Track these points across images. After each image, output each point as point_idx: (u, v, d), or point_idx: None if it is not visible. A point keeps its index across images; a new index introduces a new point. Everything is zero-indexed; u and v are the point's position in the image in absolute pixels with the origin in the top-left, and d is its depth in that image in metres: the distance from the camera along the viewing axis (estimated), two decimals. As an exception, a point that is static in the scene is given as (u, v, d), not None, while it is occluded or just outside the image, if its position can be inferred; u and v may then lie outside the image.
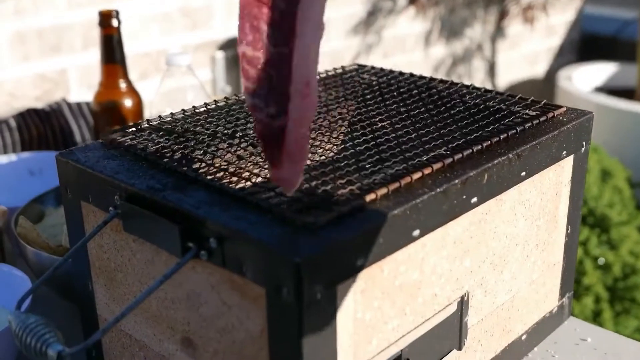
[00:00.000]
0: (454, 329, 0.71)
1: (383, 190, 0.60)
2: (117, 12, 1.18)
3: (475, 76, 2.94)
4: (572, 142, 0.78)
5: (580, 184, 0.83)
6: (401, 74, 0.94)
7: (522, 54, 3.11)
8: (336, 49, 2.35)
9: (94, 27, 1.71)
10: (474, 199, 0.67)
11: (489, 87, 3.02)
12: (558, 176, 0.79)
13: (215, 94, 2.02)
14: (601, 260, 2.13)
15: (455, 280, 0.69)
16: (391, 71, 0.96)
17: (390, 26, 2.49)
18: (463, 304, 0.71)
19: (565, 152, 0.78)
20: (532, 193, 0.75)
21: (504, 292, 0.76)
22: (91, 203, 0.70)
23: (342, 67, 0.98)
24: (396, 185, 0.62)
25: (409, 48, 2.61)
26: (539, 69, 3.23)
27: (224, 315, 0.60)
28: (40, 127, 1.37)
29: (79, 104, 1.42)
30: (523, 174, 0.72)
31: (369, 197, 0.59)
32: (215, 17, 1.98)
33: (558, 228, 0.82)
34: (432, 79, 0.91)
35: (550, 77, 3.25)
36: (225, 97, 0.85)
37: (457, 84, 0.89)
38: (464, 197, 0.66)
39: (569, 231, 0.84)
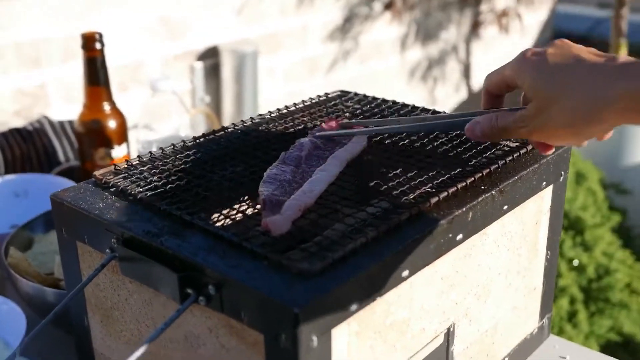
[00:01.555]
0: (441, 359, 0.74)
1: (373, 233, 0.63)
2: (101, 35, 1.19)
3: (451, 78, 2.97)
4: (551, 173, 0.81)
5: (559, 211, 0.86)
6: (384, 101, 0.97)
7: (496, 56, 3.15)
8: (314, 55, 2.37)
9: (73, 40, 1.72)
10: (460, 236, 0.69)
11: (463, 89, 3.06)
12: (538, 206, 0.82)
13: (195, 104, 2.03)
14: (575, 262, 2.17)
15: (442, 313, 0.71)
16: (374, 98, 0.98)
17: (366, 31, 2.52)
18: (449, 334, 0.73)
19: (545, 182, 0.81)
20: (514, 224, 0.78)
21: (487, 320, 0.79)
22: (87, 244, 0.71)
23: (326, 94, 1.00)
24: (385, 227, 0.64)
25: (385, 53, 2.63)
26: (512, 70, 3.26)
27: (222, 358, 0.62)
28: (23, 146, 1.38)
29: (61, 123, 1.42)
30: (505, 207, 0.75)
31: (360, 241, 0.62)
32: (193, 28, 1.99)
33: (538, 254, 0.85)
34: (414, 107, 0.94)
35: (523, 78, 3.29)
36: (213, 130, 0.87)
37: (439, 112, 0.91)
38: (450, 235, 0.68)
39: (548, 256, 0.87)
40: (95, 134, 1.22)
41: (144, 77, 1.91)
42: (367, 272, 0.59)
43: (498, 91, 0.71)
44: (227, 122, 2.11)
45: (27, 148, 1.38)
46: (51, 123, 1.42)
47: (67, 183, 1.22)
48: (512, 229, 0.78)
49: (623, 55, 2.80)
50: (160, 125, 1.22)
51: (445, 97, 2.98)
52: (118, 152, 1.24)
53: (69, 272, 0.76)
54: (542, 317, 0.90)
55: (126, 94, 1.85)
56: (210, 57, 2.05)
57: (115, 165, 0.78)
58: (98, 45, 1.19)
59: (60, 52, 1.71)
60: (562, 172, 0.84)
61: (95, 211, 0.69)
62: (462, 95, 3.06)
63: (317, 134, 0.82)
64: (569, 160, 0.84)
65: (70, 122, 1.44)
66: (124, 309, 0.71)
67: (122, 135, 1.25)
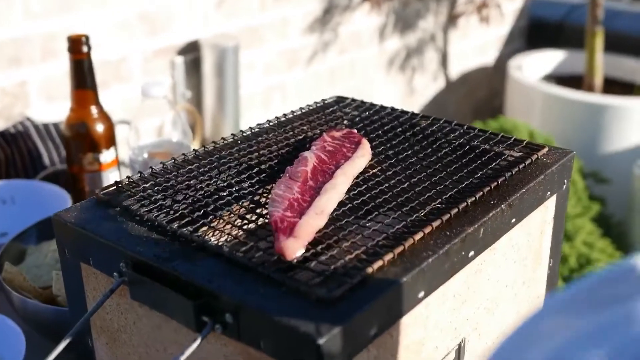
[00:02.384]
0: (451, 374, 0.73)
1: (389, 256, 0.62)
2: (87, 38, 1.17)
3: (429, 67, 2.97)
4: (555, 183, 0.81)
5: (561, 219, 0.86)
6: (382, 107, 0.96)
7: (473, 44, 3.15)
8: (293, 47, 2.35)
9: (54, 38, 1.69)
10: (471, 253, 0.69)
11: (441, 78, 3.06)
12: (542, 216, 0.82)
13: (176, 100, 2.00)
14: (557, 252, 2.19)
15: (454, 329, 0.71)
16: (372, 104, 0.97)
17: (346, 22, 2.50)
18: (460, 350, 0.73)
19: (549, 192, 0.81)
20: (520, 236, 0.78)
21: (495, 332, 0.79)
22: (92, 266, 0.70)
23: (323, 101, 0.99)
24: (400, 249, 0.63)
25: (364, 43, 2.62)
26: (489, 58, 3.28)
27: (239, 385, 0.61)
28: (7, 150, 1.35)
29: (46, 125, 1.40)
30: (513, 220, 0.75)
31: (377, 265, 0.61)
32: (174, 22, 1.96)
33: (542, 263, 0.85)
34: (413, 115, 0.93)
35: (499, 65, 3.30)
36: (213, 142, 0.86)
37: (439, 120, 0.91)
38: (463, 253, 0.68)
39: (550, 264, 0.87)
40: (82, 138, 1.20)
41: (125, 74, 1.89)
42: (386, 296, 0.59)
43: None
44: (208, 117, 2.09)
45: (12, 152, 1.35)
46: (35, 126, 1.39)
47: (56, 190, 1.20)
48: (519, 241, 0.78)
49: (599, 42, 2.81)
50: (142, 122, 1.19)
51: (424, 87, 2.98)
52: (106, 157, 1.21)
53: (73, 294, 0.74)
54: (544, 323, 0.90)
55: (107, 91, 1.82)
56: (191, 52, 2.03)
57: (117, 182, 0.76)
58: (85, 48, 1.17)
59: (41, 50, 1.67)
60: (565, 181, 0.84)
61: (101, 234, 0.68)
62: (440, 84, 3.07)
63: None
64: (572, 169, 0.84)
65: (55, 125, 1.41)
66: (132, 332, 0.70)
67: (110, 140, 1.22)
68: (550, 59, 3.19)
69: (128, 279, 0.65)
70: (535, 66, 3.11)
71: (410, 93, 2.93)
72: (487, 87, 3.31)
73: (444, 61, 3.03)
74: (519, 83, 2.91)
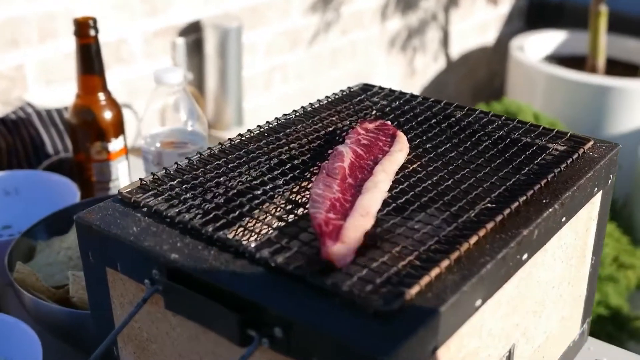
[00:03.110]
0: (499, 382, 0.70)
1: (445, 262, 0.58)
2: (95, 21, 1.11)
3: (429, 48, 2.92)
4: (602, 178, 0.77)
5: (605, 215, 0.82)
6: (412, 96, 0.91)
7: (473, 23, 3.10)
8: (296, 27, 2.29)
9: (52, 19, 1.62)
10: (525, 256, 0.65)
11: (442, 58, 3.01)
12: (589, 213, 0.78)
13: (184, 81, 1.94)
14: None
15: (506, 336, 0.67)
16: (401, 93, 0.92)
17: (347, 2, 2.45)
18: (510, 357, 0.69)
19: (596, 188, 0.76)
20: (569, 235, 0.74)
21: (540, 335, 0.75)
22: (119, 271, 0.65)
23: (349, 89, 0.94)
24: (456, 254, 0.59)
25: (366, 23, 2.57)
26: (488, 38, 3.23)
27: (286, 402, 0.57)
28: (9, 138, 1.29)
29: (48, 111, 1.34)
30: (564, 219, 0.71)
31: (434, 272, 0.57)
32: (175, 2, 1.90)
33: (585, 261, 0.81)
34: (447, 104, 0.88)
35: (499, 45, 3.26)
36: (239, 134, 0.81)
37: (474, 110, 0.86)
38: (518, 256, 0.64)
39: (593, 262, 0.83)
40: (90, 126, 1.15)
41: (125, 55, 1.83)
42: (446, 307, 0.54)
43: None
44: (210, 99, 2.03)
45: (13, 140, 1.30)
46: (37, 112, 1.34)
47: (63, 181, 1.14)
48: (567, 241, 0.74)
49: (602, 23, 2.76)
50: (153, 110, 1.14)
51: (425, 67, 2.93)
52: (115, 146, 1.16)
53: (97, 300, 0.70)
54: (583, 322, 0.87)
55: (107, 73, 1.76)
56: (193, 33, 1.97)
57: (141, 180, 0.71)
58: (92, 32, 1.12)
59: (38, 31, 1.61)
60: (611, 175, 0.79)
61: (130, 237, 0.63)
62: (441, 64, 3.02)
63: None
64: (617, 163, 0.80)
65: (58, 111, 1.36)
66: (164, 343, 0.65)
67: (119, 128, 1.17)
68: (551, 39, 3.15)
69: (162, 288, 0.61)
70: (536, 47, 3.07)
71: (411, 73, 2.88)
72: (486, 68, 3.27)
73: (444, 41, 2.98)
74: (521, 64, 2.87)
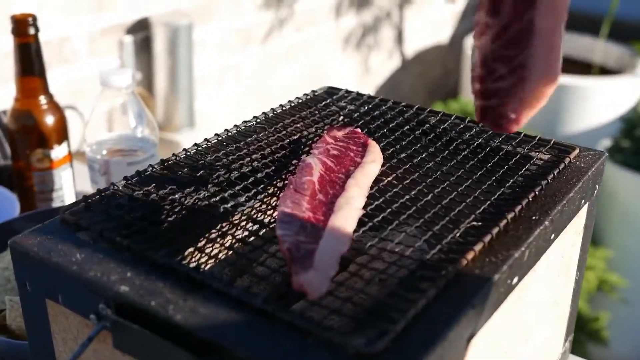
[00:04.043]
0: (485, 415, 0.63)
1: (432, 291, 0.51)
2: (35, 18, 1.02)
3: (384, 46, 2.87)
4: (589, 189, 0.72)
5: (590, 228, 0.77)
6: (382, 100, 0.85)
7: (427, 21, 3.06)
8: (249, 26, 2.21)
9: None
10: (515, 280, 0.59)
11: (397, 56, 2.96)
12: (575, 227, 0.72)
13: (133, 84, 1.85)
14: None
15: (493, 368, 0.61)
16: (369, 97, 0.86)
17: (301, -1, 2.38)
18: (497, 389, 0.63)
19: (583, 200, 0.71)
20: (556, 253, 0.68)
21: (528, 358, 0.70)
22: (61, 304, 0.57)
23: (313, 92, 0.87)
24: (443, 281, 0.53)
25: (320, 20, 2.50)
26: (443, 35, 3.19)
27: None
28: (-58, 144, 1.19)
29: (-16, 115, 1.24)
30: (552, 236, 0.65)
31: (421, 303, 0.50)
32: (121, -2, 1.80)
33: (569, 277, 0.76)
34: (419, 110, 0.82)
35: (454, 43, 3.22)
36: (195, 144, 0.73)
37: (449, 116, 0.80)
38: (508, 281, 0.57)
39: (577, 277, 0.78)
40: (30, 132, 1.06)
41: (69, 55, 1.73)
42: (437, 345, 0.48)
43: None
44: (160, 100, 1.94)
45: (-53, 146, 1.20)
46: (-28, 116, 1.24)
47: (0, 191, 1.05)
48: (554, 259, 0.68)
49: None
50: (99, 115, 1.05)
51: (379, 65, 2.88)
52: (58, 153, 1.07)
53: (36, 335, 0.62)
54: (565, 340, 0.81)
55: (49, 74, 1.66)
56: (141, 30, 1.87)
57: (85, 198, 0.63)
58: (32, 30, 1.03)
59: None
60: (597, 186, 0.74)
61: (73, 266, 0.55)
62: (396, 63, 2.97)
63: None
64: (603, 173, 0.75)
65: (-5, 115, 1.26)
66: (113, 383, 0.57)
67: (62, 133, 1.08)
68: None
69: (110, 324, 0.53)
70: (491, 44, 3.04)
71: (366, 72, 2.82)
72: (441, 66, 3.23)
73: (399, 39, 2.94)
74: (477, 62, 2.83)
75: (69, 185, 1.11)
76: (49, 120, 1.06)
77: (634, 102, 2.62)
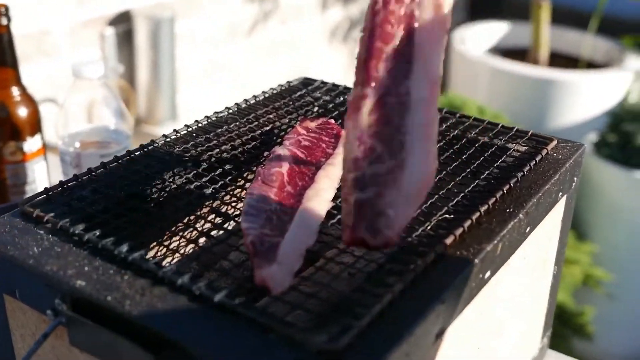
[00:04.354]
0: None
1: (399, 286, 0.50)
2: (7, 8, 1.00)
3: (372, 39, 2.84)
4: (567, 182, 0.70)
5: (568, 222, 0.75)
6: (357, 91, 0.83)
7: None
8: (234, 18, 2.19)
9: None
10: (488, 274, 0.57)
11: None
12: (552, 220, 0.71)
13: (107, 75, 1.83)
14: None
15: (465, 364, 0.59)
16: (346, 88, 0.84)
17: (287, -8, 2.36)
18: (470, 385, 0.61)
19: (560, 193, 0.69)
20: (532, 246, 0.67)
21: (503, 356, 0.68)
22: (19, 299, 0.55)
23: (288, 83, 0.85)
24: (411, 275, 0.51)
25: (305, 13, 2.48)
26: (431, 29, 3.17)
27: None
28: None
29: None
30: (528, 230, 0.63)
31: (387, 298, 0.48)
32: (102, -10, 1.78)
33: (547, 272, 0.74)
34: (395, 100, 0.80)
35: (442, 37, 3.20)
36: (164, 135, 0.71)
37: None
38: (480, 275, 0.56)
39: (554, 272, 0.76)
40: (2, 123, 1.04)
41: (50, 47, 1.70)
42: (403, 341, 0.46)
43: None
44: (142, 93, 1.92)
45: None
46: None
47: (-29, 185, 1.03)
48: (530, 252, 0.67)
49: (545, 15, 2.74)
50: (72, 106, 1.03)
51: (367, 59, 2.85)
52: (31, 145, 1.05)
53: (-6, 331, 0.60)
54: (543, 335, 0.80)
55: (29, 67, 1.64)
56: (123, 22, 1.85)
57: (46, 190, 0.61)
58: (4, 21, 1.00)
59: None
60: (575, 178, 0.73)
61: (29, 260, 0.53)
62: (383, 56, 2.94)
63: None
64: (582, 165, 0.73)
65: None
66: (72, 381, 0.56)
67: (35, 125, 1.06)
68: (493, 31, 3.11)
69: (66, 320, 0.51)
70: (478, 39, 3.02)
71: (352, 65, 2.80)
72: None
73: (387, 33, 2.91)
74: (463, 56, 2.81)
75: (43, 178, 1.09)
76: (22, 112, 1.04)
77: (620, 96, 2.62)
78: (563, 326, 2.22)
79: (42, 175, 1.08)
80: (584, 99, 2.65)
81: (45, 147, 1.08)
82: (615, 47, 2.86)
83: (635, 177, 2.24)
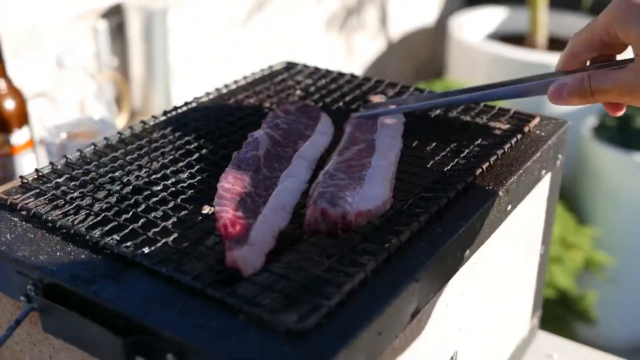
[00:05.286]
0: (441, 394, 0.61)
1: (372, 265, 0.49)
2: (-12, 1, 0.99)
3: (368, 28, 2.84)
4: (550, 159, 0.69)
5: (554, 200, 0.74)
6: (340, 75, 0.82)
7: (412, 2, 3.03)
8: (230, 9, 2.18)
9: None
10: (467, 252, 0.57)
11: (382, 40, 2.93)
12: (536, 198, 0.70)
13: (100, 68, 1.82)
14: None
15: (447, 343, 0.59)
16: (327, 71, 0.83)
17: (281, -19, 2.34)
18: (452, 365, 0.61)
19: (544, 170, 0.69)
20: (514, 224, 0.66)
21: (488, 337, 0.67)
22: (-7, 287, 0.55)
23: (270, 68, 0.85)
24: (385, 254, 0.50)
25: (302, 2, 2.47)
26: (429, 16, 3.16)
27: None
28: None
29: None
30: (509, 207, 0.63)
31: (358, 278, 0.48)
32: (93, -17, 1.77)
33: (533, 251, 0.73)
34: (377, 82, 0.80)
35: (440, 24, 3.19)
36: (142, 122, 0.71)
37: (407, 87, 0.78)
38: (458, 253, 0.55)
39: (542, 252, 0.75)
40: (-11, 118, 1.03)
41: (42, 41, 1.70)
42: (374, 321, 0.46)
43: (588, 51, 0.56)
44: (136, 85, 1.91)
45: None
46: None
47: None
48: (512, 231, 0.66)
49: (542, 1, 2.72)
50: (58, 97, 1.03)
51: (365, 48, 2.85)
52: (19, 138, 1.05)
53: (-29, 320, 0.59)
54: (533, 316, 0.79)
55: (20, 61, 1.63)
56: (116, 15, 1.84)
57: (22, 177, 0.61)
58: (-14, 13, 1.00)
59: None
60: (560, 156, 0.72)
61: (1, 247, 0.53)
62: (381, 45, 2.94)
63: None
64: (566, 142, 0.73)
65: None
66: (48, 369, 0.55)
67: (22, 117, 1.06)
68: (490, 16, 3.09)
69: (38, 306, 0.51)
70: (475, 25, 3.01)
71: (350, 54, 2.79)
72: (427, 48, 3.20)
73: (383, 20, 2.90)
74: (461, 43, 2.80)
75: (31, 171, 1.08)
76: (9, 104, 1.03)
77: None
78: (566, 311, 2.21)
79: (30, 168, 1.08)
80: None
81: (34, 141, 1.07)
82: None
83: (636, 160, 2.23)
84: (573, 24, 2.96)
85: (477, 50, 2.74)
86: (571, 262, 2.18)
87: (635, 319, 2.39)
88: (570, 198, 2.41)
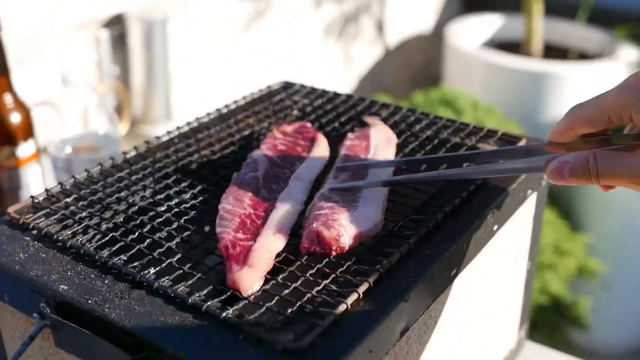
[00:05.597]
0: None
1: (364, 287, 0.52)
2: (-4, 18, 1.03)
3: (366, 35, 2.87)
4: (536, 180, 0.73)
5: (540, 218, 0.78)
6: (336, 95, 0.85)
7: (409, 10, 3.06)
8: (228, 17, 2.21)
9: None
10: (454, 272, 0.60)
11: (379, 47, 2.97)
12: (522, 217, 0.73)
13: (102, 77, 1.85)
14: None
15: (435, 358, 0.62)
16: (324, 91, 0.87)
17: (280, -10, 2.38)
18: (441, 378, 0.64)
19: (530, 190, 0.72)
20: (501, 242, 0.69)
21: (475, 350, 0.71)
22: (7, 303, 0.58)
23: (268, 87, 0.88)
24: (377, 275, 0.54)
25: (299, 11, 2.50)
26: (425, 23, 3.19)
27: None
28: None
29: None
30: (495, 227, 0.66)
31: (351, 299, 0.51)
32: (95, -7, 1.80)
33: (520, 267, 0.77)
34: (372, 103, 0.83)
35: (436, 31, 3.22)
36: (146, 142, 0.74)
37: (401, 108, 0.81)
38: (446, 273, 0.58)
39: (528, 267, 0.79)
40: (-5, 131, 1.06)
41: (44, 50, 1.73)
42: (365, 340, 0.49)
43: (588, 128, 0.53)
44: (138, 94, 1.95)
45: None
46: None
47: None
48: (499, 249, 0.69)
49: (537, 7, 2.75)
50: (63, 112, 1.06)
51: (362, 55, 2.88)
52: (25, 151, 1.08)
53: (-16, 333, 0.63)
54: (520, 328, 0.82)
55: (24, 70, 1.67)
56: (117, 24, 1.87)
57: (32, 197, 0.64)
58: (-6, 29, 1.03)
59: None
60: (544, 176, 0.75)
61: (16, 266, 0.56)
62: (378, 52, 2.97)
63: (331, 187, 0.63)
64: (551, 162, 0.76)
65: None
66: (59, 381, 0.58)
67: (28, 130, 1.09)
68: (486, 24, 3.13)
69: (50, 323, 0.54)
70: (472, 32, 3.04)
71: (348, 62, 2.83)
72: (424, 54, 3.23)
73: (380, 29, 2.94)
74: (457, 50, 2.83)
75: (38, 183, 1.11)
76: (15, 118, 1.06)
77: (613, 87, 2.63)
78: (560, 317, 2.25)
79: (36, 180, 1.11)
80: (578, 90, 2.67)
81: (40, 152, 1.11)
82: (606, 38, 2.88)
83: (628, 168, 2.26)
84: (568, 31, 2.99)
85: (473, 58, 2.77)
86: (564, 269, 2.21)
87: (628, 324, 2.42)
88: (563, 205, 2.44)
